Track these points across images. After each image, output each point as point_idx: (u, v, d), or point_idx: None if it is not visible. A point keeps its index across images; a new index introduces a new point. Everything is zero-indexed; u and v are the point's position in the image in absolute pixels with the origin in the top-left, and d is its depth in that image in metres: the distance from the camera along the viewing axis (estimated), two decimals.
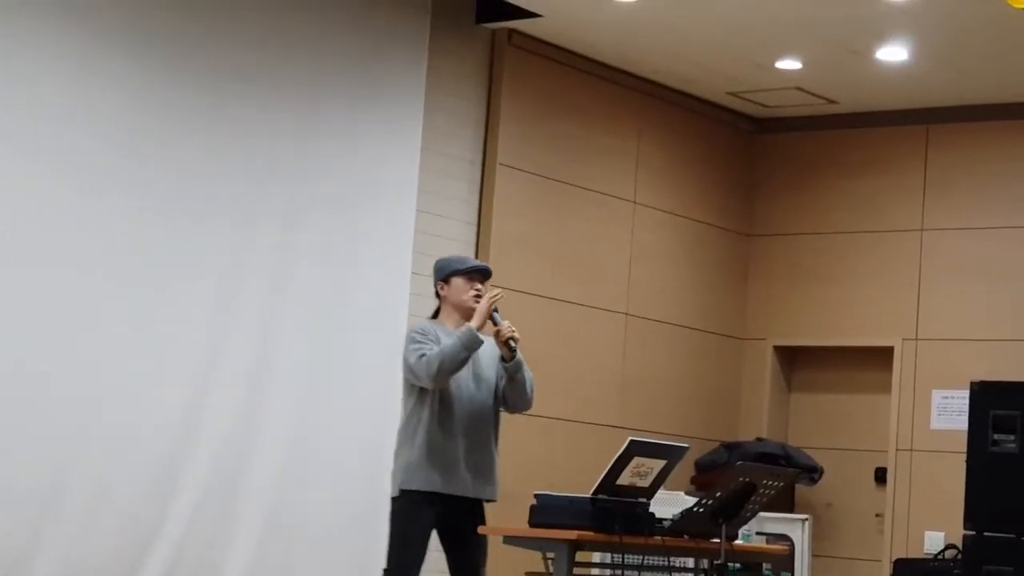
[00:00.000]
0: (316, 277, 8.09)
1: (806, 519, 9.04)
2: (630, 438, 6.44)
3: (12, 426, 6.90)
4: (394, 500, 6.30)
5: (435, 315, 6.50)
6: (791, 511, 9.87)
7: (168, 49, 7.49)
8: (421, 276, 8.52)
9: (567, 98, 9.44)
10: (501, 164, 9.03)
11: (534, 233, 9.24)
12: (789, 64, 9.37)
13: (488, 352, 6.40)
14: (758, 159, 10.70)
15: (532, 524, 6.40)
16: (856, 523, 10.20)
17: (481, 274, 6.50)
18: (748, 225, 10.67)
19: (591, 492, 6.35)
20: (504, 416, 8.92)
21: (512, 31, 9.04)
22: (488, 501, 6.43)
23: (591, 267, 9.59)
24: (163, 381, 7.42)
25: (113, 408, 7.23)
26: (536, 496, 6.49)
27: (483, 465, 6.37)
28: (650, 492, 6.52)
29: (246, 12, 7.79)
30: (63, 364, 7.07)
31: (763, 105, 10.32)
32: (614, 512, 6.32)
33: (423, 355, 6.18)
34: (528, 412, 9.03)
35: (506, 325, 6.30)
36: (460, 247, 8.88)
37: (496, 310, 6.33)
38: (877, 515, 10.07)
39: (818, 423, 10.44)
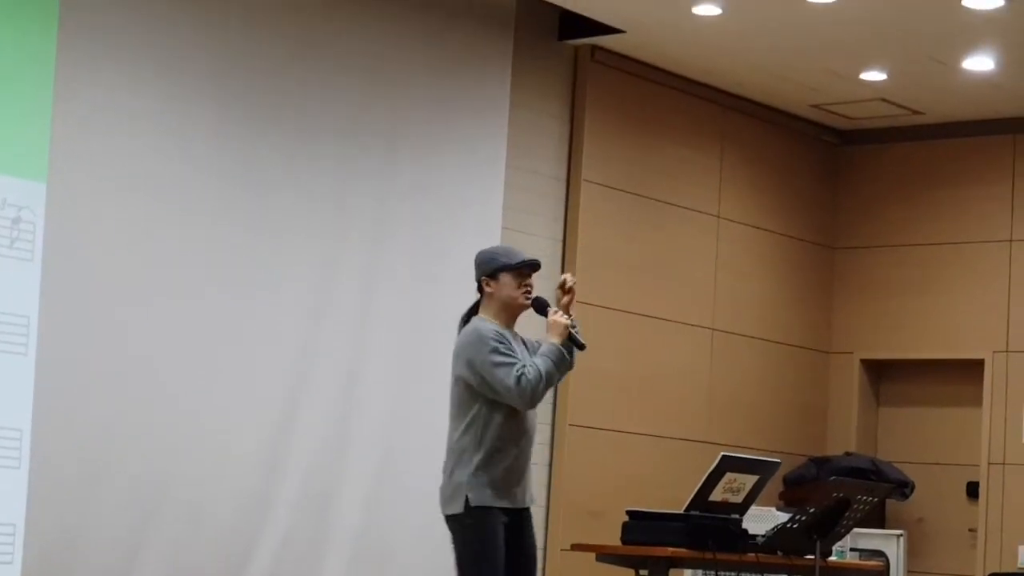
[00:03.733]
0: (402, 295, 8.11)
1: (901, 534, 8.95)
2: (722, 453, 6.42)
3: (118, 438, 6.99)
4: (461, 517, 5.84)
5: (474, 310, 6.02)
6: (882, 527, 9.77)
7: (256, 71, 7.56)
8: None
9: (650, 113, 9.43)
10: (586, 180, 9.02)
11: (620, 248, 9.23)
12: (873, 75, 9.30)
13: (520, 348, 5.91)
14: (843, 171, 10.62)
15: (625, 541, 6.40)
16: (949, 538, 10.08)
17: (531, 268, 6.00)
18: (833, 238, 10.58)
19: (683, 508, 6.33)
20: (593, 433, 8.99)
21: (595, 47, 9.03)
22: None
23: (677, 282, 9.56)
24: (256, 394, 7.49)
25: (209, 424, 7.30)
26: (628, 513, 6.48)
27: (529, 472, 5.97)
28: (743, 508, 6.49)
29: (328, 34, 7.84)
30: (163, 381, 7.17)
31: (847, 117, 10.25)
32: (707, 528, 6.29)
33: (520, 376, 5.73)
34: (617, 428, 9.09)
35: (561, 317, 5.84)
36: (546, 263, 8.78)
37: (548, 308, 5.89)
38: (970, 530, 9.94)
39: (908, 437, 10.33)
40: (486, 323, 5.92)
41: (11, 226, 6.69)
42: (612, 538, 6.54)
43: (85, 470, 6.89)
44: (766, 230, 10.15)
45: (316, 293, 7.77)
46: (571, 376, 8.80)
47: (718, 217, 9.84)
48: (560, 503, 8.81)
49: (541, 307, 5.93)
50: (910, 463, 10.11)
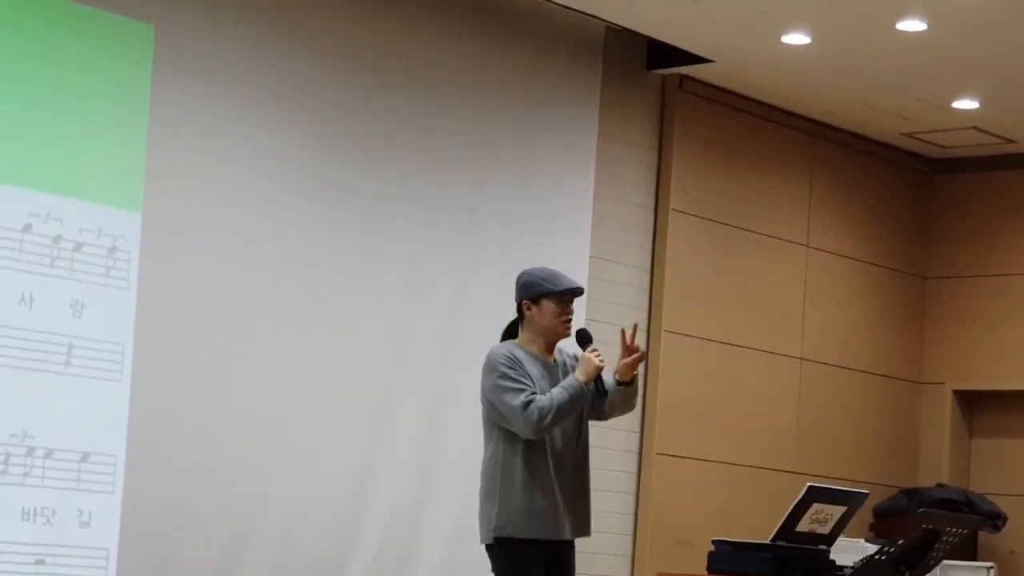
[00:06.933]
0: (489, 325, 8.12)
1: (991, 567, 8.85)
2: (808, 484, 6.39)
3: (211, 464, 7.09)
4: (491, 548, 5.76)
5: (510, 330, 5.95)
6: (974, 559, 9.66)
7: (350, 99, 7.66)
8: (596, 323, 8.55)
9: (739, 142, 9.42)
10: (674, 209, 9.03)
11: (708, 278, 9.22)
12: (966, 104, 9.23)
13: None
14: (934, 200, 10.54)
15: (711, 571, 6.38)
16: None
17: (574, 295, 5.84)
18: (924, 267, 10.50)
19: (770, 538, 6.31)
20: (680, 462, 8.98)
21: (683, 77, 9.05)
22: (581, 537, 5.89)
23: (765, 311, 9.53)
24: (340, 431, 7.55)
25: (301, 450, 7.38)
26: (714, 543, 6.47)
27: (582, 505, 5.82)
28: (830, 539, 6.45)
29: (419, 64, 7.92)
30: (256, 408, 7.25)
31: (939, 146, 10.18)
32: (794, 559, 6.27)
33: (529, 402, 5.60)
34: (704, 458, 9.07)
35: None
36: (634, 293, 8.90)
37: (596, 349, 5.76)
38: None
39: (1001, 468, 10.20)
40: (504, 346, 5.85)
41: (107, 255, 6.82)
42: (698, 567, 6.53)
43: (178, 496, 6.99)
44: (856, 259, 10.10)
45: (402, 321, 7.81)
46: (659, 405, 8.90)
47: (807, 246, 9.80)
48: (646, 532, 8.81)
49: (584, 340, 5.82)
50: (1003, 495, 10.00)
